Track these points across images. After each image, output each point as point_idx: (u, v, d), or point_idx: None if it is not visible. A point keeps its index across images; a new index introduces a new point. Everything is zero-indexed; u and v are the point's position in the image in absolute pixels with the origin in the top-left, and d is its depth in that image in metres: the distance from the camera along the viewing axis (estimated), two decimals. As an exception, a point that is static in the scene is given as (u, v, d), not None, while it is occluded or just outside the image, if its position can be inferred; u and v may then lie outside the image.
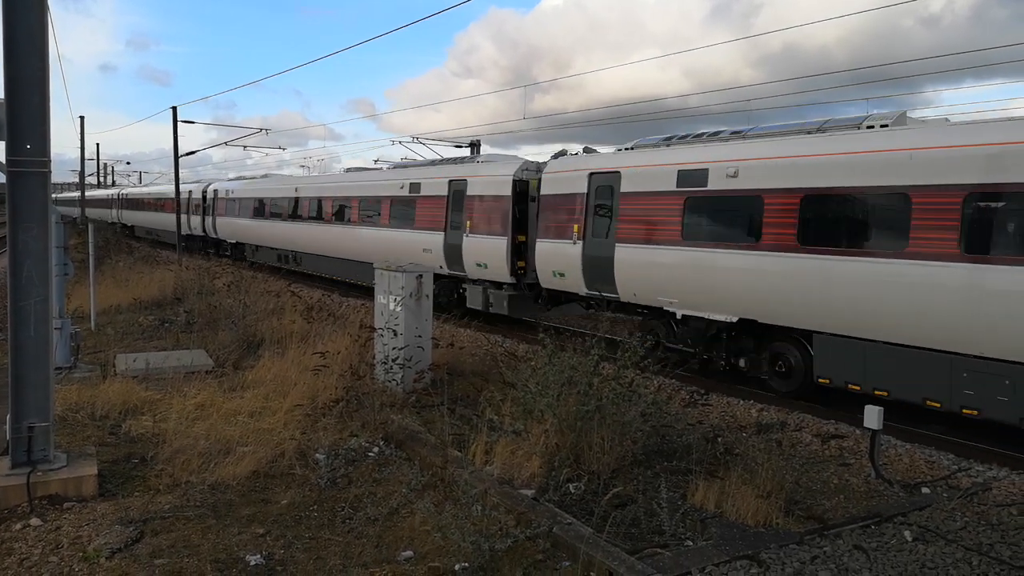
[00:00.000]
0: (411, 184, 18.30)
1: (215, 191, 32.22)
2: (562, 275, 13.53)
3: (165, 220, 38.42)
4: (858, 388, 9.28)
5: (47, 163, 6.08)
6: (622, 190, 12.44)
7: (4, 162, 6.02)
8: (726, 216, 10.74)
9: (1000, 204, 7.91)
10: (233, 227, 30.03)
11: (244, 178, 32.98)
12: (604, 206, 12.78)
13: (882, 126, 9.60)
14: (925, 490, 7.06)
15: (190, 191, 35.06)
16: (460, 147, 30.84)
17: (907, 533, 5.87)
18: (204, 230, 33.43)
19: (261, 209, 27.13)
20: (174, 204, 35.09)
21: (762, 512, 5.95)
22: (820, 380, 9.75)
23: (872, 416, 7.27)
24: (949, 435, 8.84)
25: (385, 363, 9.53)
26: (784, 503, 6.14)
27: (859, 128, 9.78)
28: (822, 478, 7.32)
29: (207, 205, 33.00)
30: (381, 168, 22.09)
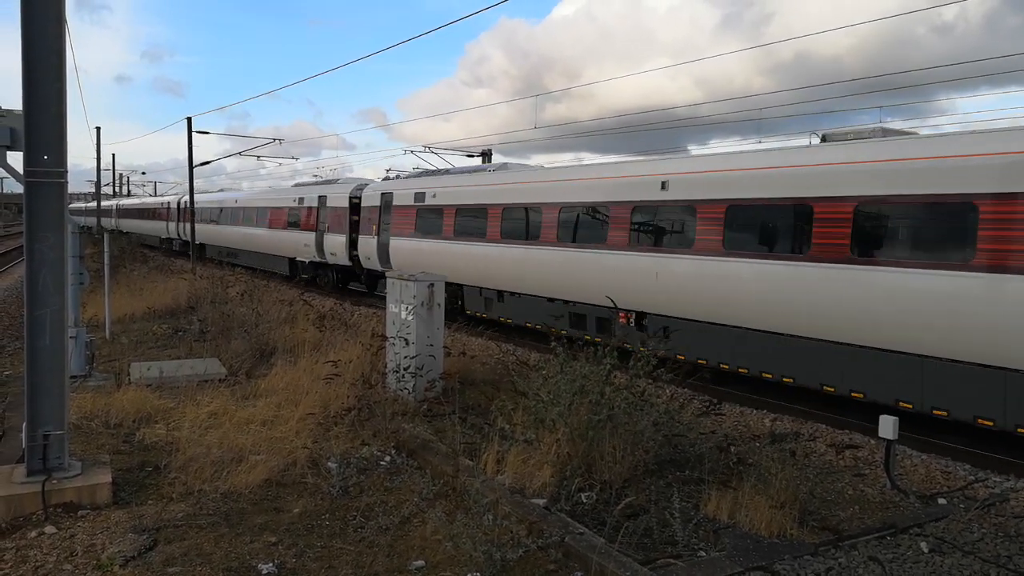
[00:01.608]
0: None
1: (386, 195, 20.06)
2: None
3: (274, 241, 26.84)
4: None
5: (64, 173, 6.14)
6: None
7: (22, 172, 6.08)
8: None
9: None
10: (435, 255, 17.63)
11: (438, 172, 20.17)
12: None
13: None
14: (941, 501, 6.98)
15: (321, 197, 23.84)
16: (472, 156, 30.99)
17: (923, 545, 5.80)
18: (353, 258, 21.77)
19: (529, 225, 14.93)
20: (289, 217, 25.43)
21: (776, 523, 5.90)
22: None
23: (887, 426, 7.21)
24: (965, 445, 8.75)
25: (397, 372, 9.54)
26: (798, 513, 6.09)
27: None
28: (837, 488, 7.26)
29: (363, 218, 21.13)
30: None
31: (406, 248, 19.07)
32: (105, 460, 6.72)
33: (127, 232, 51.77)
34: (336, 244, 22.67)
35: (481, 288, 16.51)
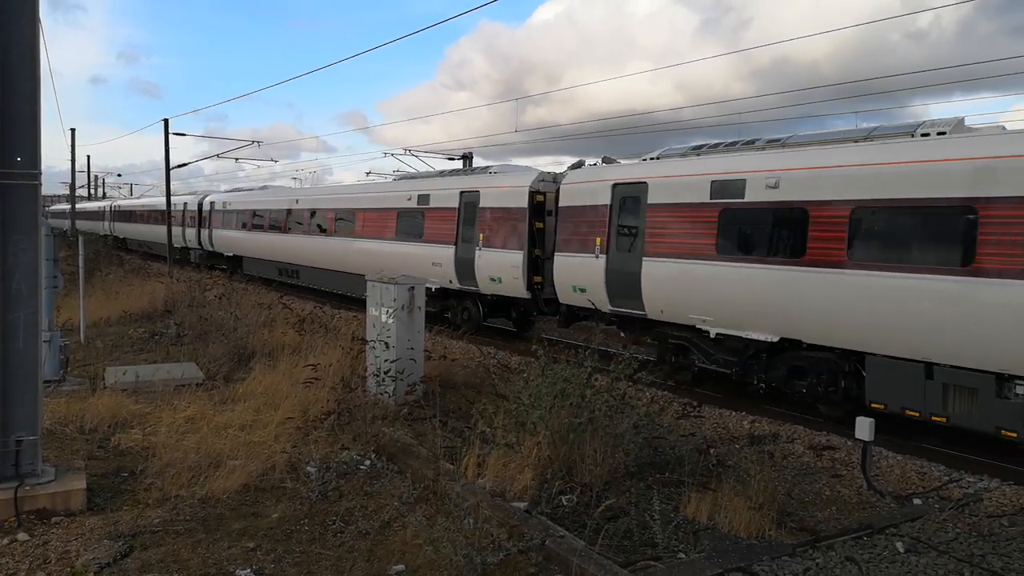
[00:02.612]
0: None
1: (629, 187, 12.50)
2: None
3: (374, 256, 18.35)
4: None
5: (38, 175, 6.06)
6: None
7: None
8: None
9: None
10: (810, 302, 9.52)
11: (784, 140, 10.85)
12: None
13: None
14: (917, 501, 7.07)
15: (468, 192, 16.04)
16: (452, 159, 30.95)
17: (899, 544, 5.87)
18: (535, 287, 14.62)
19: None
20: (402, 223, 17.48)
21: (755, 524, 5.95)
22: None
23: (863, 427, 7.29)
24: (940, 446, 8.87)
25: (377, 375, 9.51)
26: (776, 515, 6.14)
27: None
28: (814, 490, 7.33)
29: (562, 226, 13.66)
30: None
31: (695, 279, 10.94)
32: (79, 466, 6.62)
33: (124, 239, 44.65)
34: (501, 265, 14.65)
35: None
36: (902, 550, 5.79)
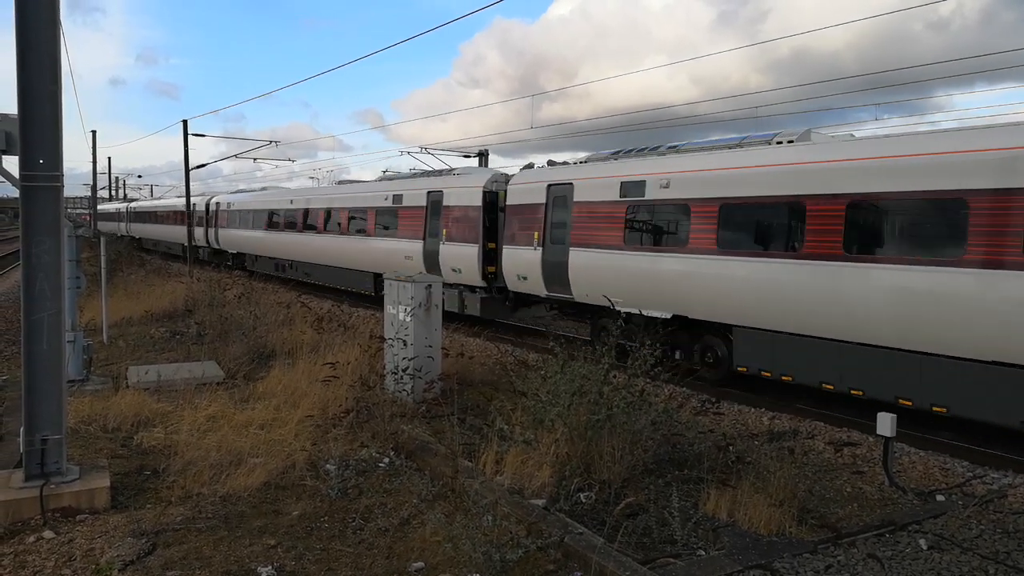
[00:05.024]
0: None
1: None
2: None
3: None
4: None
5: (60, 177, 6.14)
6: None
7: (17, 176, 6.08)
8: None
9: None
10: None
11: None
12: None
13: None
14: (940, 498, 6.99)
15: None
16: (468, 157, 30.96)
17: (922, 541, 5.81)
18: None
19: None
20: None
21: (775, 521, 5.91)
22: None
23: (885, 423, 7.22)
24: (963, 442, 8.77)
25: (395, 373, 9.54)
26: (797, 511, 6.09)
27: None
28: (835, 486, 7.26)
29: None
30: None
31: None
32: (103, 464, 6.71)
33: (238, 254, 29.85)
34: None
35: None
36: (925, 547, 5.72)
